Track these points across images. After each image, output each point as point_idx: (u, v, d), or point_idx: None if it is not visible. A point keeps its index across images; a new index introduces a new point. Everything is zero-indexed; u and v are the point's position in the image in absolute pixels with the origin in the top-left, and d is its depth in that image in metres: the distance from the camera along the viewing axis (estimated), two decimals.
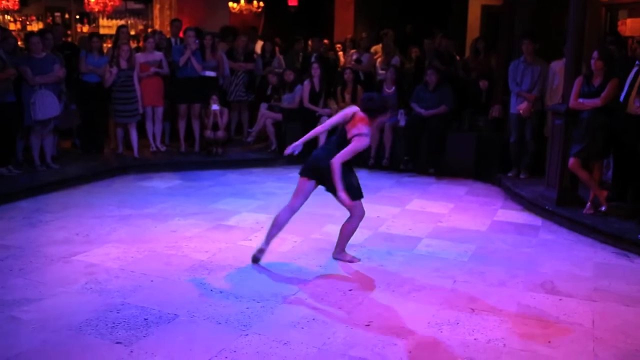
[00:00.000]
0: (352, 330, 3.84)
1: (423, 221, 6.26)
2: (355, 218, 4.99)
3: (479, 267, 5.00)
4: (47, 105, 7.36)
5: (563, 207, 6.36)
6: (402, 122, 8.56)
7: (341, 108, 8.75)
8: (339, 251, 5.10)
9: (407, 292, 4.46)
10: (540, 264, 5.12)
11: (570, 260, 5.21)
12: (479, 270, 4.92)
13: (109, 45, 9.83)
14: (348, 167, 4.95)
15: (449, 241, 5.64)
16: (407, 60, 10.26)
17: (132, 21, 12.64)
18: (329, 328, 3.85)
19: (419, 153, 8.42)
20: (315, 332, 3.79)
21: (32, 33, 8.16)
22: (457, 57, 9.80)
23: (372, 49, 10.27)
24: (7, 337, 3.64)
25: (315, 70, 8.96)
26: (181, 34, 9.47)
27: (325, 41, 11.14)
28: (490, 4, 12.33)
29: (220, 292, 4.36)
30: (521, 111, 7.52)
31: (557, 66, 7.31)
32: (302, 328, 3.84)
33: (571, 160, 6.16)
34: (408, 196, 7.26)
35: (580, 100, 6.14)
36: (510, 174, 7.79)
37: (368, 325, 3.91)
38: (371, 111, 4.91)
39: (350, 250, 5.23)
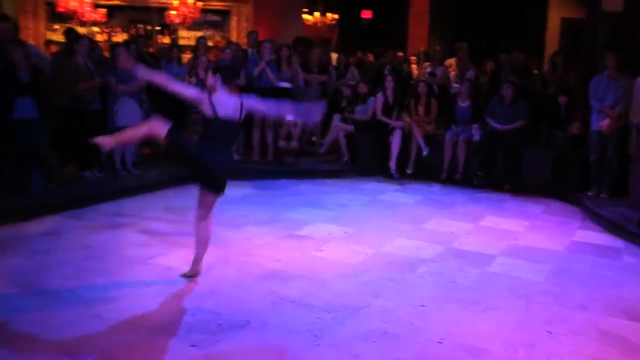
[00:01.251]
0: (424, 346, 3.79)
1: (497, 238, 6.12)
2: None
3: (555, 288, 4.84)
4: (129, 112, 7.66)
5: None
6: (476, 137, 8.42)
7: (414, 121, 8.77)
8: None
9: (480, 310, 4.37)
10: (622, 288, 4.90)
11: None
12: (555, 292, 4.75)
13: (188, 56, 10.15)
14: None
15: (523, 260, 5.48)
16: (481, 74, 10.10)
17: (210, 33, 13.01)
18: (400, 343, 3.81)
19: (494, 168, 8.25)
20: (386, 347, 3.76)
21: (117, 44, 8.53)
22: (535, 71, 9.56)
23: (446, 62, 10.16)
24: (89, 334, 3.79)
25: (389, 82, 8.94)
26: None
27: (400, 54, 11.10)
28: (571, 17, 11.99)
29: (292, 301, 4.40)
30: (603, 128, 7.25)
31: None
32: (373, 342, 3.82)
33: None
34: (482, 212, 7.11)
35: None
36: (589, 193, 7.51)
37: (440, 342, 3.85)
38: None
39: (421, 266, 5.17)
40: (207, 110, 4.49)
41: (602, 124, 7.27)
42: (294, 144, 8.88)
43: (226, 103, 4.52)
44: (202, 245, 4.75)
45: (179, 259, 5.18)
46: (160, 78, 4.82)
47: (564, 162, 7.98)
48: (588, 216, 7.06)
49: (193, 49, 9.64)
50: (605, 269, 5.37)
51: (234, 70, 4.90)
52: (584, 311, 4.42)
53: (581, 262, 5.52)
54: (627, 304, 4.55)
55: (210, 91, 4.55)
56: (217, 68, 4.77)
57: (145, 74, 4.90)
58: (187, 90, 4.71)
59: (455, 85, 9.47)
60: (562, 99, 8.22)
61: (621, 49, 7.44)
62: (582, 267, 5.38)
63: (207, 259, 5.21)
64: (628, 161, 7.03)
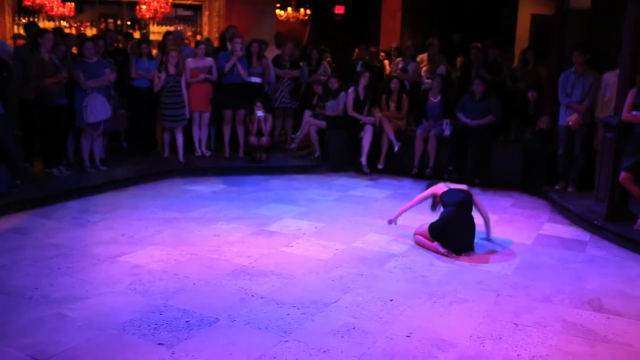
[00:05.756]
0: (392, 340, 3.80)
1: None
2: None
3: (523, 281, 4.90)
4: (98, 108, 7.56)
5: (612, 223, 6.17)
6: (447, 132, 8.47)
7: (385, 117, 8.80)
8: None
9: (448, 304, 4.40)
10: (587, 280, 4.98)
11: (620, 278, 5.06)
12: (523, 285, 4.81)
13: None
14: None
15: (492, 254, 5.54)
16: (453, 69, 10.16)
17: (182, 27, 12.88)
18: (369, 338, 3.82)
19: (464, 163, 8.31)
20: (355, 342, 3.76)
21: (85, 38, 8.40)
22: (505, 67, 9.65)
23: (418, 58, 10.20)
24: (54, 334, 3.74)
25: (363, 78, 8.95)
26: None
27: (373, 49, 11.11)
28: (541, 14, 12.12)
29: (262, 297, 4.38)
30: (570, 123, 7.34)
31: (610, 78, 7.10)
32: (342, 337, 3.82)
33: (622, 174, 5.99)
34: None
35: (634, 113, 5.96)
36: (557, 187, 7.62)
37: (408, 336, 3.87)
38: None
39: (391, 260, 5.20)
40: None
41: (569, 118, 7.36)
42: (264, 140, 8.84)
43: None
44: None
45: (147, 256, 5.14)
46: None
47: (533, 156, 8.08)
48: (556, 209, 7.16)
49: (159, 45, 9.54)
50: (572, 261, 5.45)
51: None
52: (550, 303, 4.48)
53: (549, 255, 5.59)
54: (592, 295, 4.63)
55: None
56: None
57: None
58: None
59: (426, 80, 9.51)
60: (531, 95, 8.32)
61: (589, 45, 7.53)
62: (549, 259, 5.46)
63: (177, 256, 5.18)
64: (594, 156, 7.14)
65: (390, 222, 6.00)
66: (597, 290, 4.74)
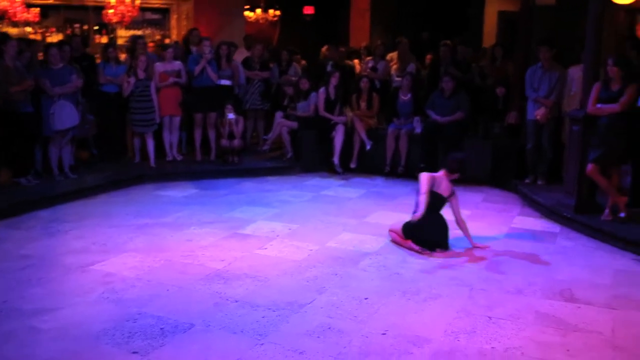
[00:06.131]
0: (368, 339, 3.82)
1: None
2: None
3: (496, 274, 4.96)
4: (65, 115, 7.44)
5: (581, 214, 6.28)
6: (417, 129, 8.53)
7: (356, 116, 8.82)
8: None
9: (423, 300, 4.44)
10: (558, 271, 5.06)
11: (589, 268, 5.15)
12: (496, 278, 4.87)
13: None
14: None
15: (465, 249, 5.60)
16: (423, 67, 10.23)
17: (150, 31, 12.76)
18: (345, 337, 3.83)
19: (435, 160, 8.37)
20: (330, 341, 3.77)
21: (50, 45, 8.28)
22: (474, 64, 9.76)
23: (388, 57, 10.25)
24: (26, 347, 3.68)
25: (334, 78, 8.96)
26: None
27: (342, 49, 11.13)
28: (507, 10, 12.27)
29: (236, 301, 4.36)
30: (538, 117, 7.45)
31: (575, 72, 7.24)
32: (318, 337, 3.83)
33: (589, 167, 6.09)
34: None
35: (599, 105, 6.08)
36: (527, 181, 7.72)
37: (384, 334, 3.89)
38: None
39: (365, 259, 5.22)
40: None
41: (537, 113, 7.47)
42: (236, 142, 8.80)
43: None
44: None
45: (119, 264, 5.08)
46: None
47: (503, 152, 8.18)
48: (526, 203, 7.26)
49: (129, 49, 9.43)
50: (543, 253, 5.53)
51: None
52: (523, 295, 4.55)
53: (520, 247, 5.67)
54: (563, 286, 4.71)
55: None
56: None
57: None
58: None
59: (397, 79, 9.55)
60: (499, 91, 8.42)
61: (555, 41, 7.66)
62: (521, 252, 5.53)
63: (150, 262, 5.13)
64: (562, 149, 7.26)
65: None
66: (568, 281, 4.82)
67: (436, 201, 5.58)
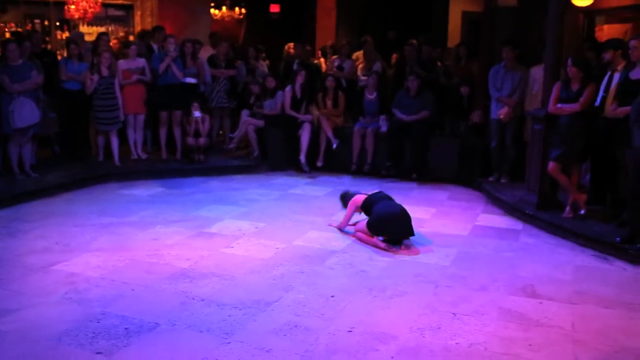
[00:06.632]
0: (335, 336, 3.83)
1: None
2: None
3: (460, 271, 5.03)
4: (26, 112, 7.28)
5: (543, 211, 6.42)
6: (383, 128, 8.59)
7: (323, 114, 8.84)
8: None
9: (389, 297, 4.47)
10: (521, 267, 5.16)
11: (551, 264, 5.26)
12: (460, 275, 4.94)
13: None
14: None
15: (431, 246, 5.66)
16: (389, 66, 10.30)
17: (113, 28, 12.56)
18: (311, 335, 3.84)
19: (401, 159, 8.45)
20: (297, 339, 3.78)
21: (8, 40, 8.08)
22: (439, 63, 9.88)
23: (354, 56, 10.30)
24: None
25: (300, 76, 8.96)
26: None
27: (308, 47, 11.14)
28: (471, 11, 12.43)
29: (202, 300, 4.33)
30: (501, 116, 7.59)
31: (537, 72, 7.39)
32: (285, 335, 3.83)
33: (550, 165, 6.22)
34: None
35: (559, 105, 6.21)
36: (491, 179, 7.85)
37: (350, 331, 3.91)
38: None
39: (332, 257, 5.24)
40: None
41: (500, 112, 7.60)
42: (202, 140, 8.73)
43: None
44: None
45: (83, 264, 5.00)
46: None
47: (468, 150, 8.30)
48: (490, 200, 7.38)
49: (93, 45, 9.26)
50: (506, 250, 5.63)
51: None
52: (486, 292, 4.62)
53: (484, 245, 5.76)
54: (525, 282, 4.80)
55: None
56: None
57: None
58: None
59: (362, 78, 9.60)
60: (464, 90, 8.54)
61: (517, 41, 7.79)
62: (485, 249, 5.62)
63: (115, 262, 5.07)
64: (525, 147, 7.39)
65: (330, 225, 6.16)
66: (530, 277, 4.92)
67: (382, 193, 5.95)
